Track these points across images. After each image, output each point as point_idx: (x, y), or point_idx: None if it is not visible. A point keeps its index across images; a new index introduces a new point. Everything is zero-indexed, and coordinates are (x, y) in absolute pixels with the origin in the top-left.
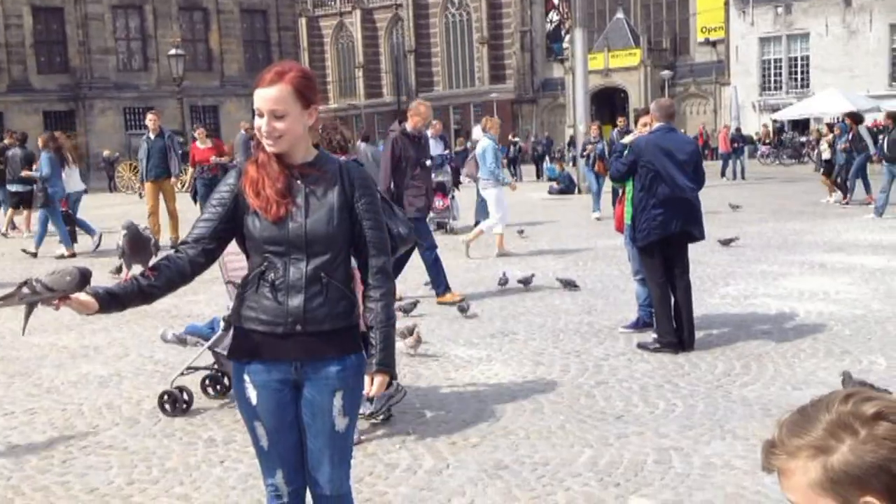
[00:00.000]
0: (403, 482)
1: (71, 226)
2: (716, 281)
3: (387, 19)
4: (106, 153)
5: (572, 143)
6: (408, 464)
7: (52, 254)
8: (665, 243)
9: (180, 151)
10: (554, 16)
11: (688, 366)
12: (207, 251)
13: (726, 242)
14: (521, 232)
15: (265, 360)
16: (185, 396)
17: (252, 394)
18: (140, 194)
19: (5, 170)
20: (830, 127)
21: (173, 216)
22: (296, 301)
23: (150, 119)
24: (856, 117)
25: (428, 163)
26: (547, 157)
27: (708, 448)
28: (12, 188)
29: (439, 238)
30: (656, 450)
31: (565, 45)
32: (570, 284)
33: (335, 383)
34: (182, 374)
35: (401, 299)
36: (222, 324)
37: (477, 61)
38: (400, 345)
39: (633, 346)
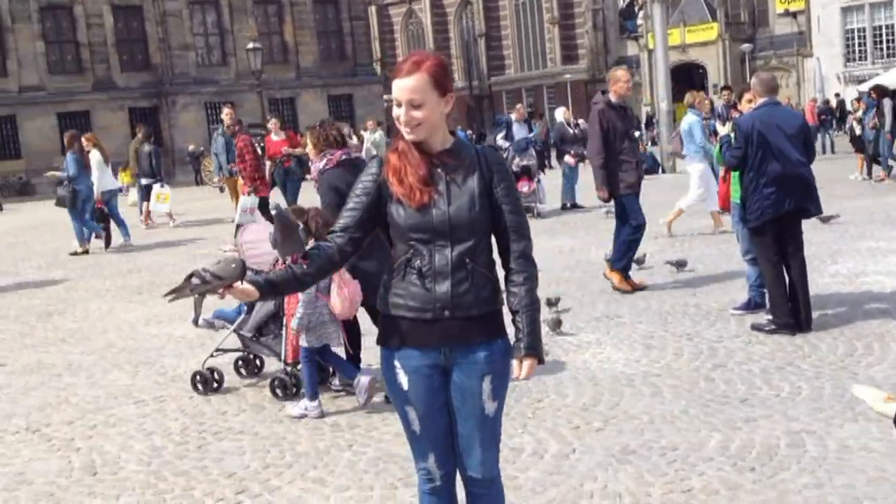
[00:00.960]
0: (532, 466)
1: (105, 223)
2: (823, 259)
3: (455, 4)
4: (191, 148)
5: (650, 121)
6: (532, 448)
7: (122, 248)
8: (777, 221)
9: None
10: None
11: (807, 347)
12: (354, 240)
13: (826, 220)
14: (608, 212)
15: (415, 346)
16: (216, 377)
17: (403, 379)
18: (221, 188)
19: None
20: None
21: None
22: (443, 287)
23: (225, 114)
24: (882, 91)
25: (637, 134)
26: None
27: (841, 431)
28: (143, 182)
29: None
30: (787, 433)
31: (639, 21)
32: (680, 265)
33: (484, 368)
34: (212, 355)
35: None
36: (245, 308)
37: (548, 42)
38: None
39: (746, 327)
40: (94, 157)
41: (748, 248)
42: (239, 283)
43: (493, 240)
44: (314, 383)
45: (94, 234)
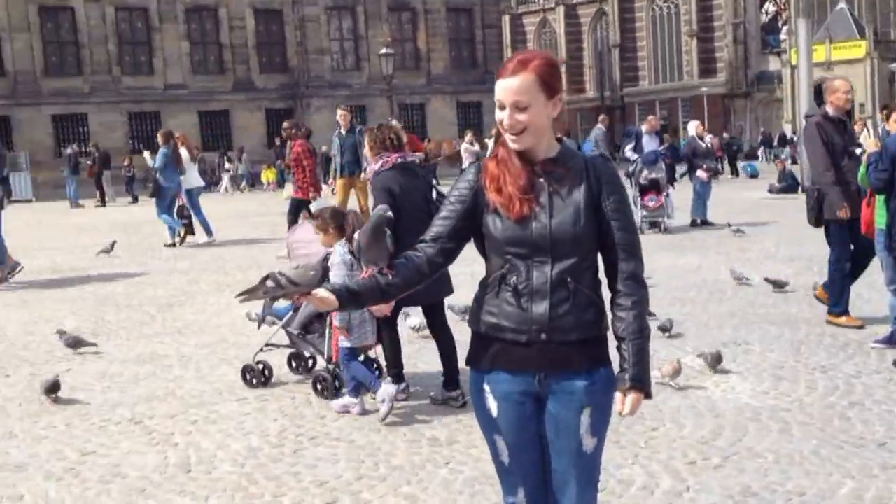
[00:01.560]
0: (641, 502)
1: (187, 220)
2: None
3: (590, 14)
4: (324, 149)
5: (785, 139)
6: (643, 482)
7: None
8: None
9: None
10: (770, 6)
11: None
12: (446, 251)
13: None
14: (737, 231)
15: (506, 370)
16: (266, 372)
17: (492, 405)
18: (332, 190)
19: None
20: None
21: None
22: (540, 307)
23: (340, 115)
24: None
25: (857, 151)
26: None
27: None
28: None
29: (652, 238)
30: None
31: (783, 36)
32: (778, 285)
33: (583, 399)
34: (262, 350)
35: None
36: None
37: (685, 55)
38: (655, 373)
39: (888, 363)
40: (182, 155)
41: (893, 278)
42: (321, 290)
43: (600, 258)
44: (356, 380)
45: (170, 228)
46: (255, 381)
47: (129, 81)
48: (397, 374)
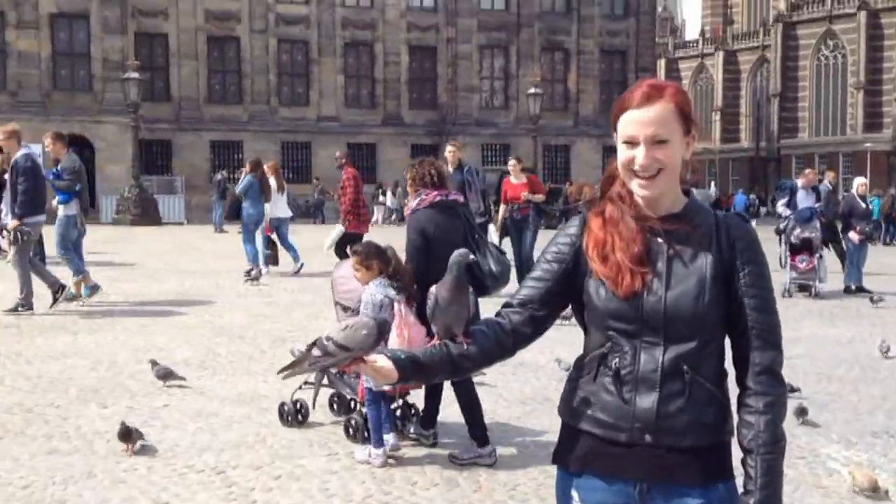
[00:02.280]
0: None
1: (272, 249)
2: None
3: (751, 61)
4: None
5: None
6: None
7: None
8: None
9: (482, 187)
10: None
11: None
12: (536, 319)
13: None
14: (878, 300)
15: (600, 475)
16: (302, 410)
17: None
18: None
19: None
20: None
21: None
22: (647, 401)
23: (448, 151)
24: None
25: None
26: None
27: None
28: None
29: (801, 303)
30: None
31: None
32: (875, 300)
33: None
34: (300, 388)
35: None
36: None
37: (850, 107)
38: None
39: None
40: (271, 184)
41: None
42: (379, 358)
43: (728, 343)
44: (379, 428)
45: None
46: (289, 419)
47: (284, 112)
48: (430, 419)
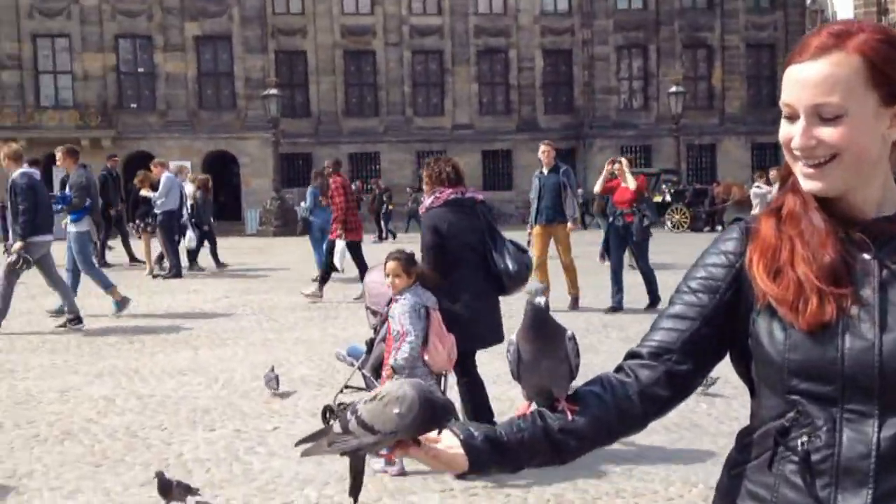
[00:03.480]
0: None
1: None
2: None
3: None
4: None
5: None
6: None
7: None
8: None
9: (580, 190)
10: None
11: None
12: (676, 376)
13: None
14: None
15: None
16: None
17: None
18: (528, 242)
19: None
20: None
21: (569, 270)
22: (854, 502)
23: (542, 151)
24: None
25: None
26: None
27: None
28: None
29: None
30: None
31: None
32: None
33: None
34: (341, 391)
35: None
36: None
37: None
38: None
39: None
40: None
41: None
42: (442, 439)
43: None
44: None
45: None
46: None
47: (419, 122)
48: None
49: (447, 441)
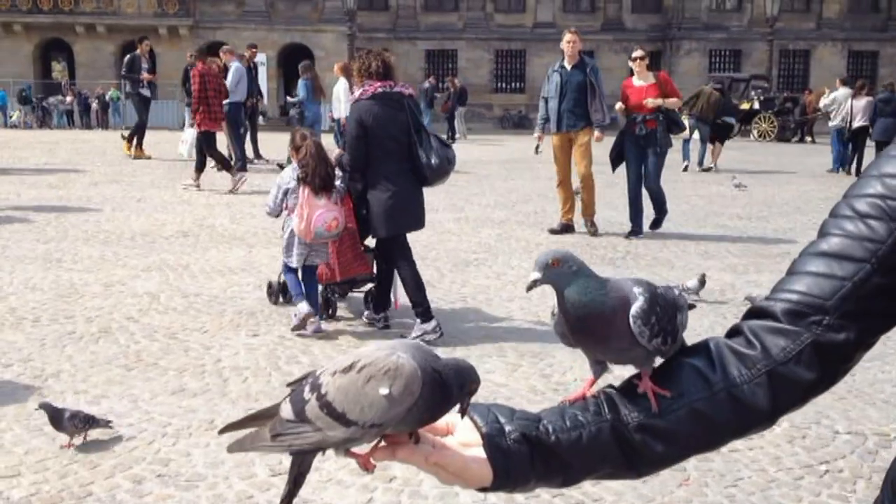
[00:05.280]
0: None
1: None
2: None
3: None
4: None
5: None
6: None
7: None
8: None
9: (605, 92)
10: None
11: None
12: (828, 348)
13: None
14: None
15: None
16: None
17: None
18: (538, 148)
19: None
20: None
21: (587, 185)
22: None
23: (567, 41)
24: None
25: None
26: None
27: None
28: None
29: None
30: None
31: None
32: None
33: None
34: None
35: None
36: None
37: None
38: None
39: None
40: (341, 85)
41: None
42: (450, 436)
43: None
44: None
45: None
46: (275, 298)
47: (500, 18)
48: (381, 304)
49: (462, 436)
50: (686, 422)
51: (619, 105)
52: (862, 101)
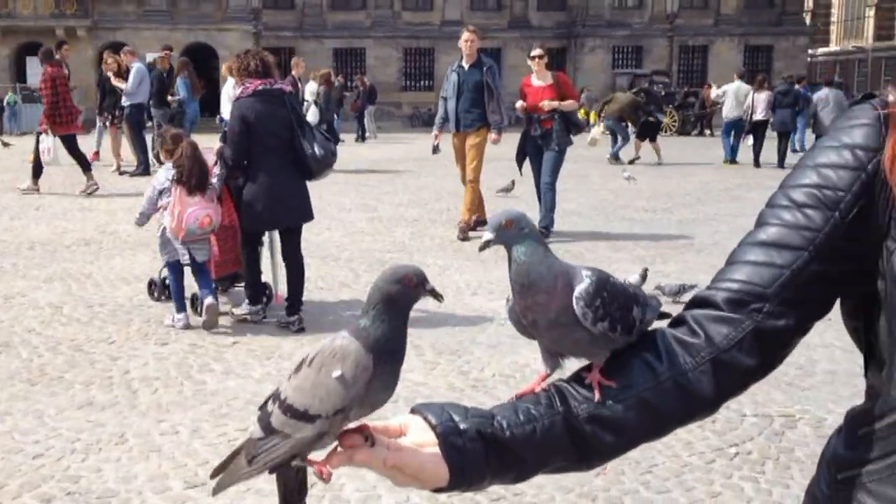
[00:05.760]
0: None
1: None
2: None
3: None
4: (585, 93)
5: None
6: None
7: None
8: None
9: (501, 91)
10: None
11: None
12: (768, 335)
13: None
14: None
15: None
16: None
17: None
18: (436, 146)
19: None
20: None
21: (472, 187)
22: None
23: (465, 39)
24: None
25: None
26: None
27: None
28: None
29: None
30: None
31: None
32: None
33: None
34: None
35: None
36: None
37: None
38: None
39: None
40: (230, 83)
41: None
42: (406, 436)
43: None
44: (180, 296)
45: None
46: (157, 295)
47: (408, 17)
48: (252, 296)
49: (416, 436)
50: (634, 411)
51: (519, 104)
52: (763, 95)
